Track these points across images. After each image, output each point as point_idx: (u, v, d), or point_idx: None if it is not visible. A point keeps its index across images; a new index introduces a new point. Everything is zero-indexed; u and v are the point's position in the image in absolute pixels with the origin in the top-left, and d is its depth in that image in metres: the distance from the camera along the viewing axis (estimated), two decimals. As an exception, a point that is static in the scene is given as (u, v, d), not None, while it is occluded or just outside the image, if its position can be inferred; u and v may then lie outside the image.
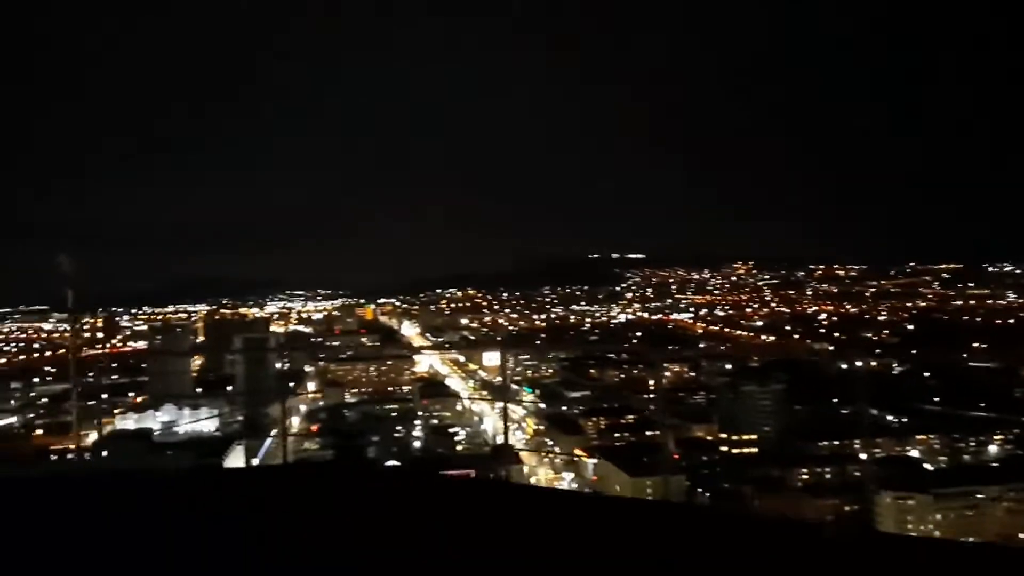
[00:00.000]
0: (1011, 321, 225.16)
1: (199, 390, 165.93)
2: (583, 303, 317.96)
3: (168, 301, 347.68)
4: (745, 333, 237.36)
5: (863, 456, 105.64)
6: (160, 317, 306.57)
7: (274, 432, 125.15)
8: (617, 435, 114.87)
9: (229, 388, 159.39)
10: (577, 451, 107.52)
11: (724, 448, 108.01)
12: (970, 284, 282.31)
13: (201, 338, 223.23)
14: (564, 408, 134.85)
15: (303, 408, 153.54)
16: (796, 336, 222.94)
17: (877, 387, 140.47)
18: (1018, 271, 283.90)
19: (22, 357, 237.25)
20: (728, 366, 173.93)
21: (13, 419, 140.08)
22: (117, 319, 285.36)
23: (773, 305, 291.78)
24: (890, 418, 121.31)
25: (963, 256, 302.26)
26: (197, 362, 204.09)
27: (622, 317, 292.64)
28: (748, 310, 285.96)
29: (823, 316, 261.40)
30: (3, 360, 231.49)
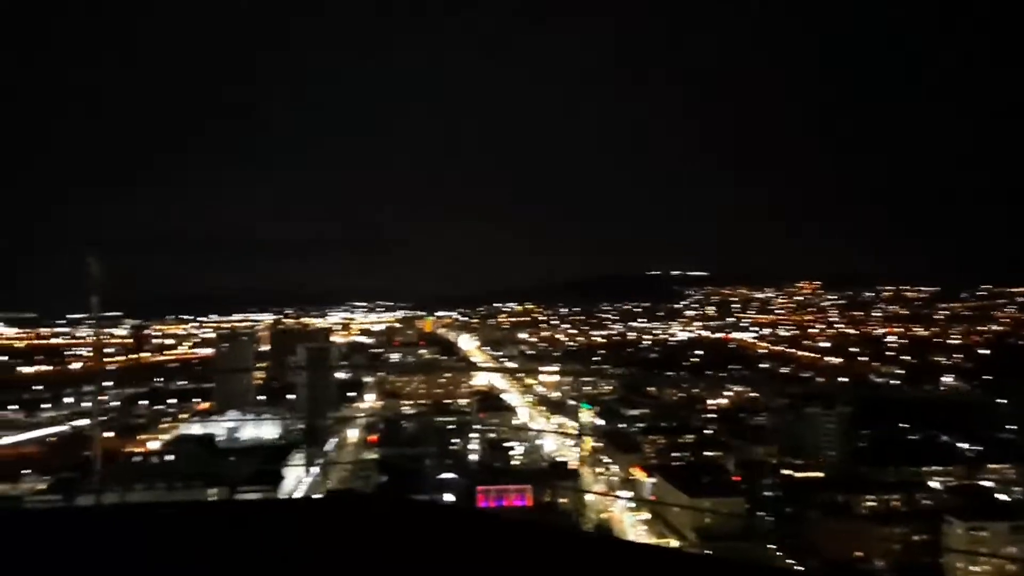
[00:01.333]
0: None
1: (262, 397, 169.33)
2: (642, 320, 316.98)
3: (234, 309, 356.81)
4: (809, 354, 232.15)
5: (933, 484, 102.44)
6: (227, 325, 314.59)
7: (333, 440, 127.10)
8: (675, 454, 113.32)
9: (291, 396, 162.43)
10: (634, 469, 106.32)
11: (786, 471, 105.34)
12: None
13: (265, 347, 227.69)
14: (622, 425, 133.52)
15: (361, 418, 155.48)
16: (863, 359, 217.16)
17: (949, 413, 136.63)
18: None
19: (96, 361, 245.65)
20: (791, 387, 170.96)
21: (85, 422, 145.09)
22: (147, 331, 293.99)
23: (839, 326, 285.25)
24: (962, 445, 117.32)
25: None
26: (261, 370, 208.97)
27: (682, 335, 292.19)
28: (813, 331, 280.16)
29: (892, 339, 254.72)
30: (78, 364, 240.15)
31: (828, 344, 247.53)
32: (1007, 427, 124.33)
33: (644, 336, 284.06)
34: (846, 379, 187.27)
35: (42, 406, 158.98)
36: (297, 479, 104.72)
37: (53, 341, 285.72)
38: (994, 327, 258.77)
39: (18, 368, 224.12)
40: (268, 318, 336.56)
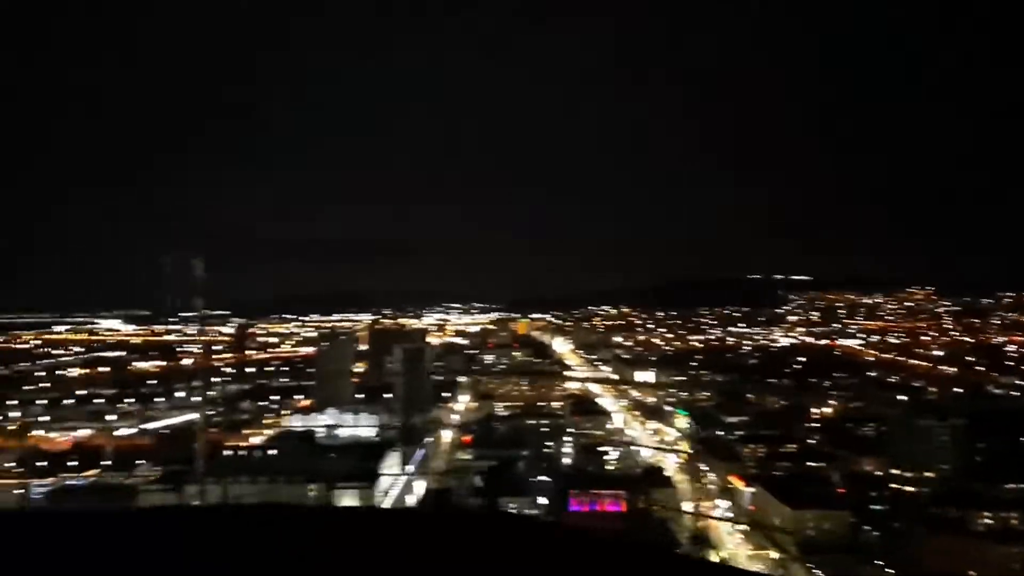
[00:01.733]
0: None
1: (360, 396, 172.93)
2: (742, 325, 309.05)
3: (334, 309, 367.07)
4: (922, 363, 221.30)
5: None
6: (327, 325, 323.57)
7: (428, 440, 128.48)
8: (777, 464, 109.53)
9: (388, 396, 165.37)
10: (733, 478, 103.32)
11: (895, 484, 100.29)
12: None
13: (364, 346, 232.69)
14: (720, 433, 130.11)
15: (456, 419, 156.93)
16: (980, 368, 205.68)
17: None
18: None
19: (205, 358, 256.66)
20: (902, 397, 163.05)
21: (195, 415, 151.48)
22: (250, 330, 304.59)
23: (954, 334, 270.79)
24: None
25: None
26: (359, 369, 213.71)
27: (784, 341, 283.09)
28: (925, 338, 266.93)
29: (1011, 348, 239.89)
30: (189, 360, 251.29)
31: (941, 352, 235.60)
32: None
33: (744, 342, 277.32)
34: (961, 389, 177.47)
35: (155, 400, 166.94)
36: (393, 477, 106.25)
37: (166, 338, 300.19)
38: None
39: (134, 363, 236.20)
40: (367, 318, 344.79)
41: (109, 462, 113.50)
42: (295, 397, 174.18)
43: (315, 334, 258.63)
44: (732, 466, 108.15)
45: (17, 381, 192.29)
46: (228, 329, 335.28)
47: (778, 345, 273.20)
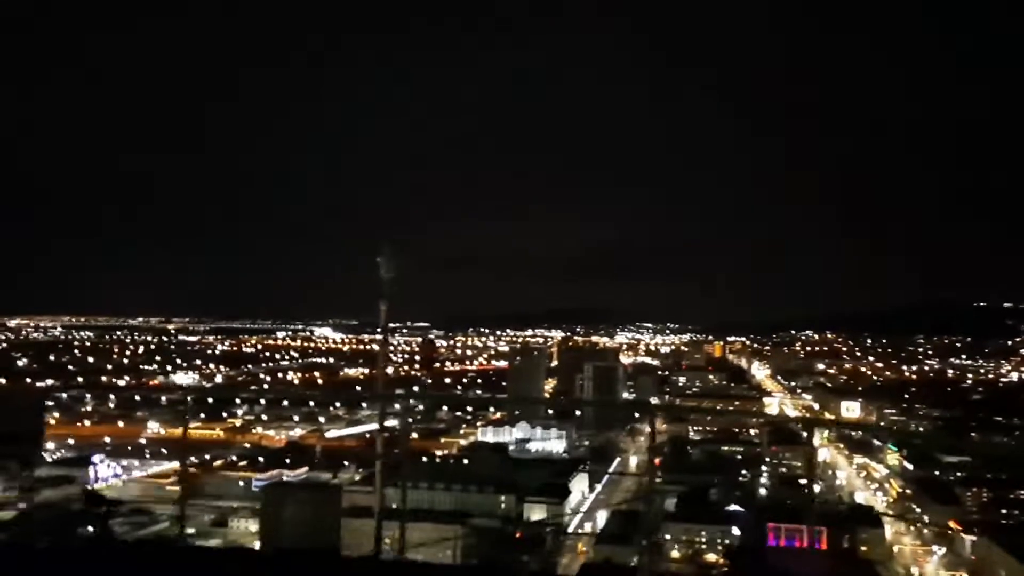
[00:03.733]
0: None
1: (551, 412, 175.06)
2: (964, 356, 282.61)
3: (529, 325, 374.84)
4: None
5: None
6: (520, 340, 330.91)
7: (617, 459, 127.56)
8: (1004, 511, 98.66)
9: (579, 413, 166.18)
10: (952, 523, 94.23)
11: None
12: None
13: (555, 363, 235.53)
14: (937, 473, 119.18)
15: (646, 440, 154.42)
16: None
17: None
18: None
19: (406, 368, 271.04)
20: None
21: (396, 422, 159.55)
22: (436, 341, 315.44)
23: None
24: None
25: None
26: (551, 385, 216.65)
27: (1014, 376, 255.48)
28: None
29: None
30: (391, 369, 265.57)
31: None
32: None
33: (967, 375, 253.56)
34: None
35: (361, 404, 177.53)
36: (582, 494, 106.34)
37: (372, 347, 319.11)
38: None
39: (343, 370, 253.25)
40: (558, 335, 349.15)
41: (318, 461, 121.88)
42: (489, 409, 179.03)
43: (507, 349, 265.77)
44: (950, 510, 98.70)
45: (244, 382, 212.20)
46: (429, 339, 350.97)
47: (1007, 380, 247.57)
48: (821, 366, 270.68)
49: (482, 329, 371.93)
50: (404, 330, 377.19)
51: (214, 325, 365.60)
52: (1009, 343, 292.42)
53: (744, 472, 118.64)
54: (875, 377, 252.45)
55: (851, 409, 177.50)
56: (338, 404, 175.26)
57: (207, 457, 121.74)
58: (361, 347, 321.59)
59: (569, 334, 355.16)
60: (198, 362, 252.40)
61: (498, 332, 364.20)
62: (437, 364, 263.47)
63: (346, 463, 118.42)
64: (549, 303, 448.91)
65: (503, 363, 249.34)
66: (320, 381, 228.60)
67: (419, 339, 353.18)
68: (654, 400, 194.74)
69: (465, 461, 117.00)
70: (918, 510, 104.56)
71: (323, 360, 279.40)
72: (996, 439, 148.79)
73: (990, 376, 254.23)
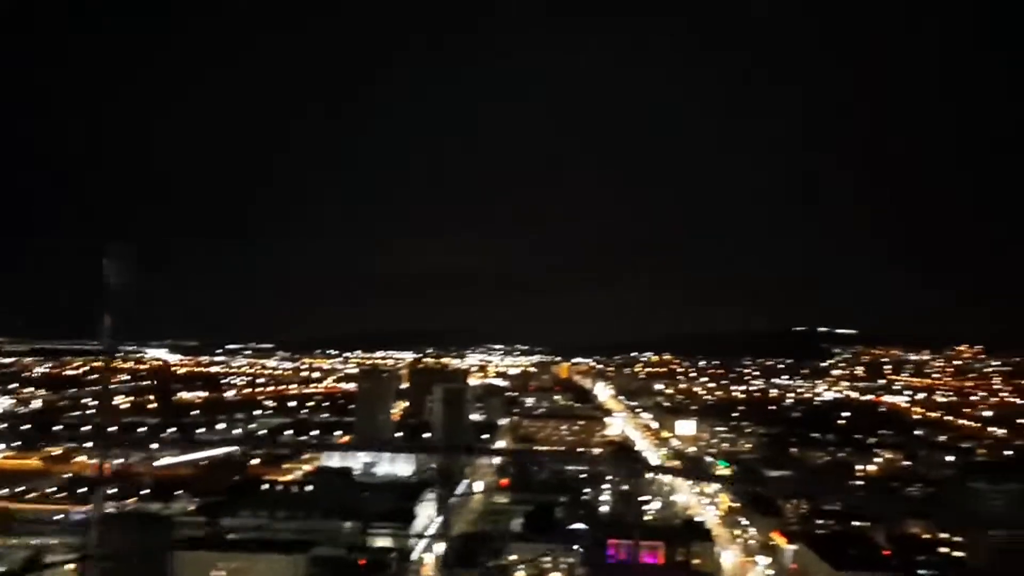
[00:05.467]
0: None
1: (399, 434, 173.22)
2: (785, 377, 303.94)
3: (378, 347, 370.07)
4: (970, 423, 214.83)
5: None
6: (370, 362, 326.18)
7: (465, 482, 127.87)
8: (820, 522, 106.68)
9: (427, 435, 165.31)
10: (775, 534, 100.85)
11: (945, 549, 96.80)
12: None
13: (405, 384, 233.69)
14: (762, 487, 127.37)
15: (494, 461, 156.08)
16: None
17: None
18: None
19: (248, 390, 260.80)
20: (950, 458, 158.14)
21: (235, 448, 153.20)
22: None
23: (1004, 394, 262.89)
24: None
25: None
26: (400, 407, 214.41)
27: (828, 395, 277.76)
28: (974, 398, 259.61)
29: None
30: (232, 392, 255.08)
31: (991, 413, 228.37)
32: None
33: (787, 394, 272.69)
34: (1010, 452, 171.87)
35: (197, 431, 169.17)
36: (429, 518, 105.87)
37: (212, 369, 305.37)
38: None
39: (179, 393, 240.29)
40: (409, 356, 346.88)
41: (148, 491, 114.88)
42: (335, 433, 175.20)
43: (356, 371, 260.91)
44: (774, 522, 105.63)
45: (65, 407, 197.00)
46: (273, 363, 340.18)
47: (822, 399, 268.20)
48: (660, 386, 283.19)
49: (330, 351, 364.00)
50: (247, 351, 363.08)
51: (36, 346, 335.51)
52: (823, 364, 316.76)
53: (587, 490, 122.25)
54: (707, 396, 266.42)
55: (685, 427, 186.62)
56: (171, 429, 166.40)
57: (20, 488, 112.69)
58: (199, 369, 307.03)
59: (420, 356, 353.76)
60: (14, 385, 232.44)
61: (347, 354, 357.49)
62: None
63: (179, 492, 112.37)
64: (399, 324, 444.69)
65: (351, 385, 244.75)
66: (153, 405, 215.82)
67: (265, 362, 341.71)
68: (502, 421, 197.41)
69: (309, 487, 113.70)
70: (745, 522, 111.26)
71: (155, 382, 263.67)
72: (812, 453, 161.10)
73: (806, 395, 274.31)
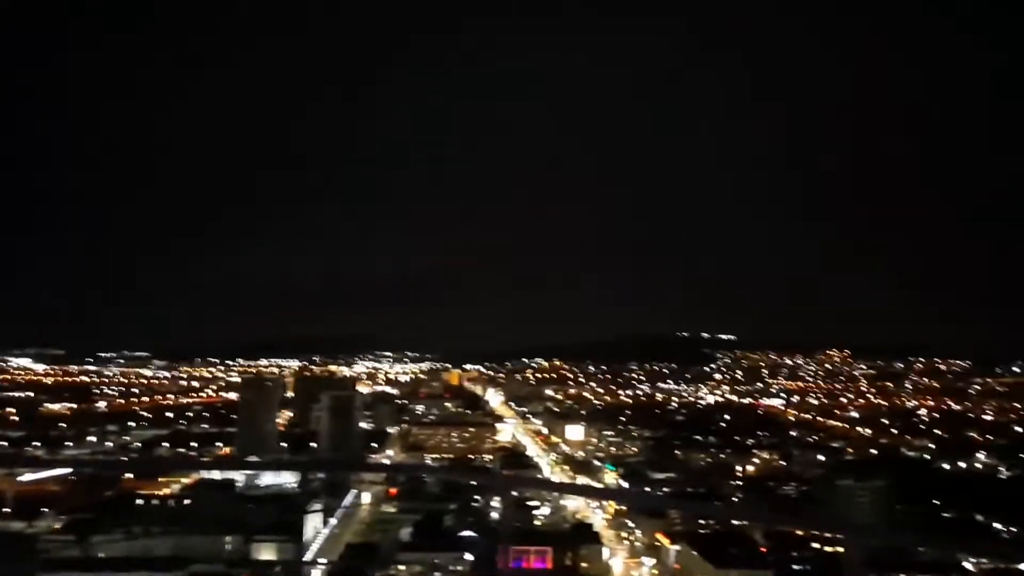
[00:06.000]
0: None
1: (284, 444, 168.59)
2: (670, 382, 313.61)
3: (262, 354, 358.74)
4: (840, 424, 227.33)
5: (969, 567, 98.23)
6: (253, 370, 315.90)
7: (353, 492, 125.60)
8: (702, 522, 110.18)
9: (313, 445, 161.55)
10: (659, 535, 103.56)
11: (816, 545, 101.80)
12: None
13: (290, 393, 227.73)
14: (647, 489, 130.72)
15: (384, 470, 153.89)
16: (894, 431, 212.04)
17: (984, 492, 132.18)
18: None
19: (121, 401, 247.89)
20: (822, 457, 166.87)
21: (107, 462, 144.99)
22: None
23: (869, 396, 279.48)
24: (998, 526, 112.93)
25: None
26: (285, 416, 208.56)
27: (710, 398, 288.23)
28: (843, 400, 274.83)
29: (923, 412, 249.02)
30: (104, 403, 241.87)
31: (858, 414, 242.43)
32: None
33: (672, 398, 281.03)
34: (875, 451, 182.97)
35: (65, 444, 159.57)
36: (315, 530, 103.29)
37: (81, 379, 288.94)
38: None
39: (45, 404, 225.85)
40: (294, 364, 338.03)
41: (9, 509, 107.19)
42: (216, 445, 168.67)
43: (238, 380, 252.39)
44: (658, 523, 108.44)
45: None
46: (148, 372, 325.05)
47: (704, 403, 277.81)
48: (550, 392, 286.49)
49: (211, 359, 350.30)
50: (120, 360, 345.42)
51: None
52: (706, 369, 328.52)
53: (477, 497, 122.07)
54: (596, 401, 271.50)
55: (574, 432, 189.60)
56: (36, 443, 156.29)
57: None
58: (68, 379, 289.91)
59: (306, 363, 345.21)
60: None
61: (228, 362, 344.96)
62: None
63: (45, 510, 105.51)
64: (287, 331, 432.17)
65: (233, 395, 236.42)
66: (15, 418, 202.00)
67: (142, 371, 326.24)
68: (392, 429, 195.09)
69: (187, 501, 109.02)
70: (631, 524, 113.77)
71: (21, 394, 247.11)
72: (695, 455, 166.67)
73: (690, 399, 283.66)
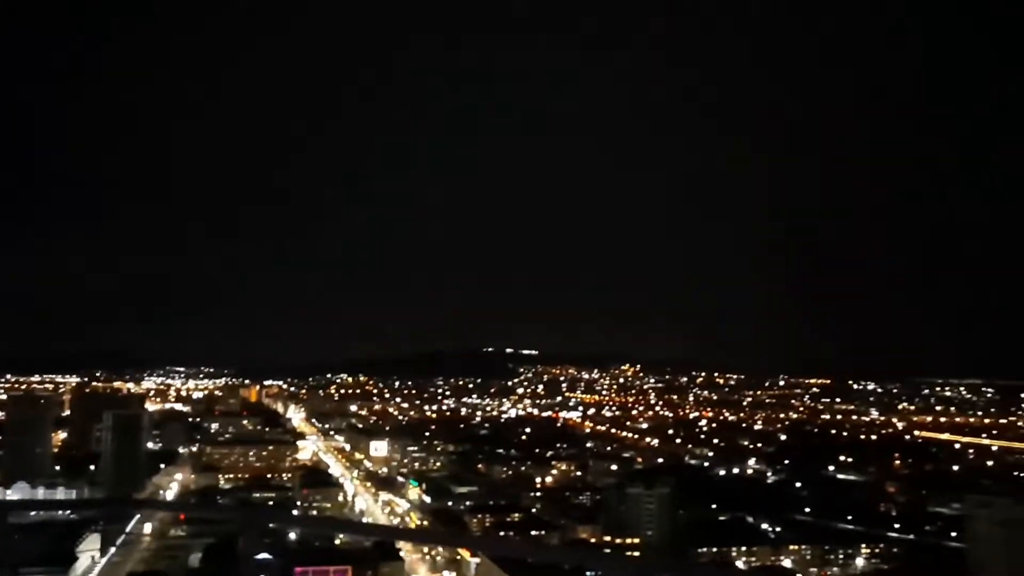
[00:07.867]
0: (874, 437, 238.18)
1: (58, 467, 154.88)
2: (475, 396, 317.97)
3: (38, 370, 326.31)
4: (631, 435, 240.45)
5: (740, 564, 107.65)
6: (24, 386, 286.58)
7: (137, 517, 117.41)
8: (503, 533, 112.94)
9: (93, 467, 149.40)
10: (460, 549, 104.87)
11: (608, 551, 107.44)
12: (837, 400, 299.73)
13: (67, 411, 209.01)
14: (450, 503, 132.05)
15: (173, 492, 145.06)
16: (678, 440, 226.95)
17: (754, 495, 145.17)
18: (880, 391, 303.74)
19: None
20: (615, 467, 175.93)
21: None
22: None
23: (657, 408, 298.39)
24: (765, 527, 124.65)
25: (832, 373, 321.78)
26: (60, 437, 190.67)
27: (513, 412, 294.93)
28: (634, 412, 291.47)
29: (703, 422, 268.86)
30: None
31: (647, 426, 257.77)
32: (805, 509, 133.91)
33: (476, 412, 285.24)
34: (662, 460, 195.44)
35: None
36: (92, 559, 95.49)
37: None
38: (792, 415, 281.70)
39: None
40: (73, 380, 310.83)
41: None
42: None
43: (5, 397, 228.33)
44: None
45: None
46: None
47: (507, 416, 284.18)
48: (354, 408, 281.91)
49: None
50: None
51: None
52: (509, 383, 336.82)
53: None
54: (401, 417, 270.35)
55: (378, 448, 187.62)
56: None
57: None
58: None
59: (86, 380, 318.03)
60: None
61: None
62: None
63: None
64: (62, 346, 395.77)
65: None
66: None
67: None
68: (182, 449, 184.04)
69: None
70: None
71: None
72: (497, 468, 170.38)
73: (494, 413, 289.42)
